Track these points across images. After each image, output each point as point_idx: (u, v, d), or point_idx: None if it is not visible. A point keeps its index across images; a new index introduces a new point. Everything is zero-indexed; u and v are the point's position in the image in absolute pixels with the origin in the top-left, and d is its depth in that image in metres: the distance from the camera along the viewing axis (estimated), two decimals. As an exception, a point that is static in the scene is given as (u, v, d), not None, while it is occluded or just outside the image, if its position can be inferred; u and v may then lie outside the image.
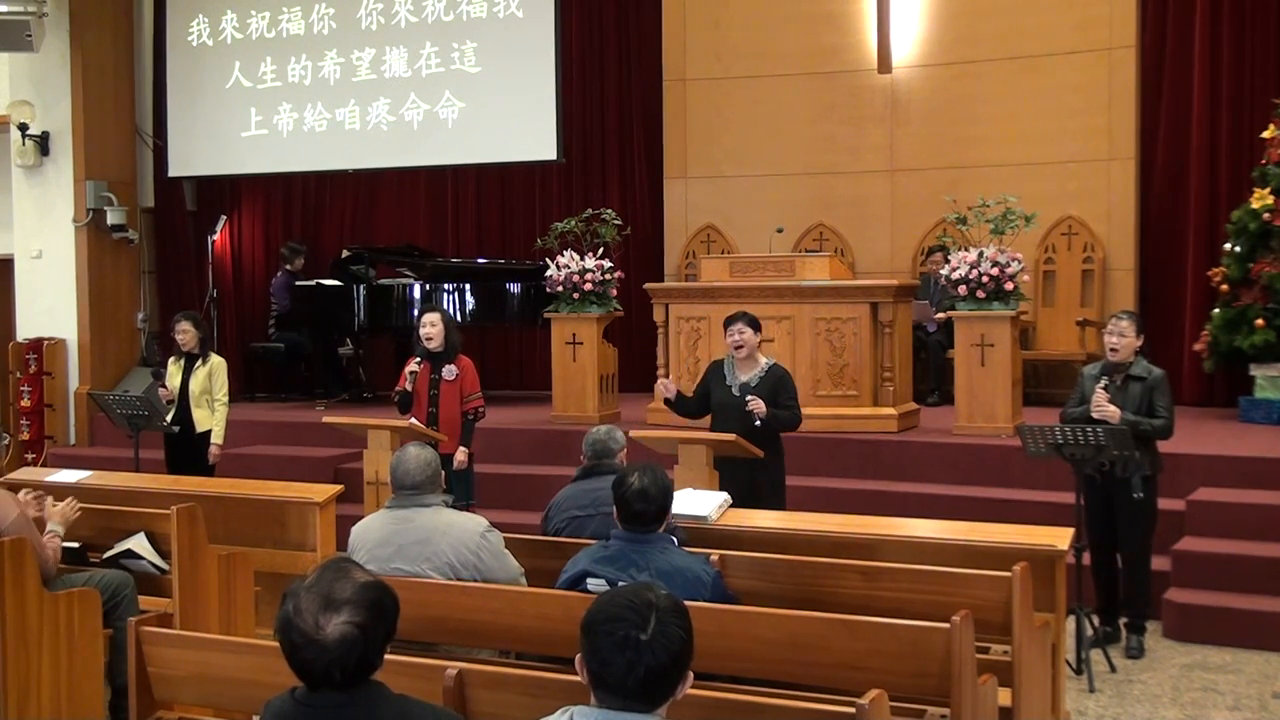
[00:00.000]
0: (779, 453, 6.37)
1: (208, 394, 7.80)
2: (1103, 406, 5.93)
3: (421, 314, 7.36)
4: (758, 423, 6.13)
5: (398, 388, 7.19)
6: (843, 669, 3.53)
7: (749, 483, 6.06)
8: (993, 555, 4.42)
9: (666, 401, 6.59)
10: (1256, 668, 5.95)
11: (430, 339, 7.08)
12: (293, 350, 11.50)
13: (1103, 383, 6.00)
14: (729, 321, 6.41)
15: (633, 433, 5.86)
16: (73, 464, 7.95)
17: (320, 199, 12.55)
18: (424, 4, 11.35)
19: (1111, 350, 6.10)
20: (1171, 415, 6.05)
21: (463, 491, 6.97)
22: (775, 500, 6.15)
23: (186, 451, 7.83)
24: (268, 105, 11.83)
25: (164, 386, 7.82)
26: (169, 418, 7.80)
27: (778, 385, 6.32)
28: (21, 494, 5.03)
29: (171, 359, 8.05)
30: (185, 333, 7.82)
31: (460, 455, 7.03)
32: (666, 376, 8.90)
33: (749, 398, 6.19)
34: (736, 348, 6.35)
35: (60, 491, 5.67)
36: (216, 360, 7.89)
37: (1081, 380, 6.24)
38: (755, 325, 6.43)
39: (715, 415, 6.45)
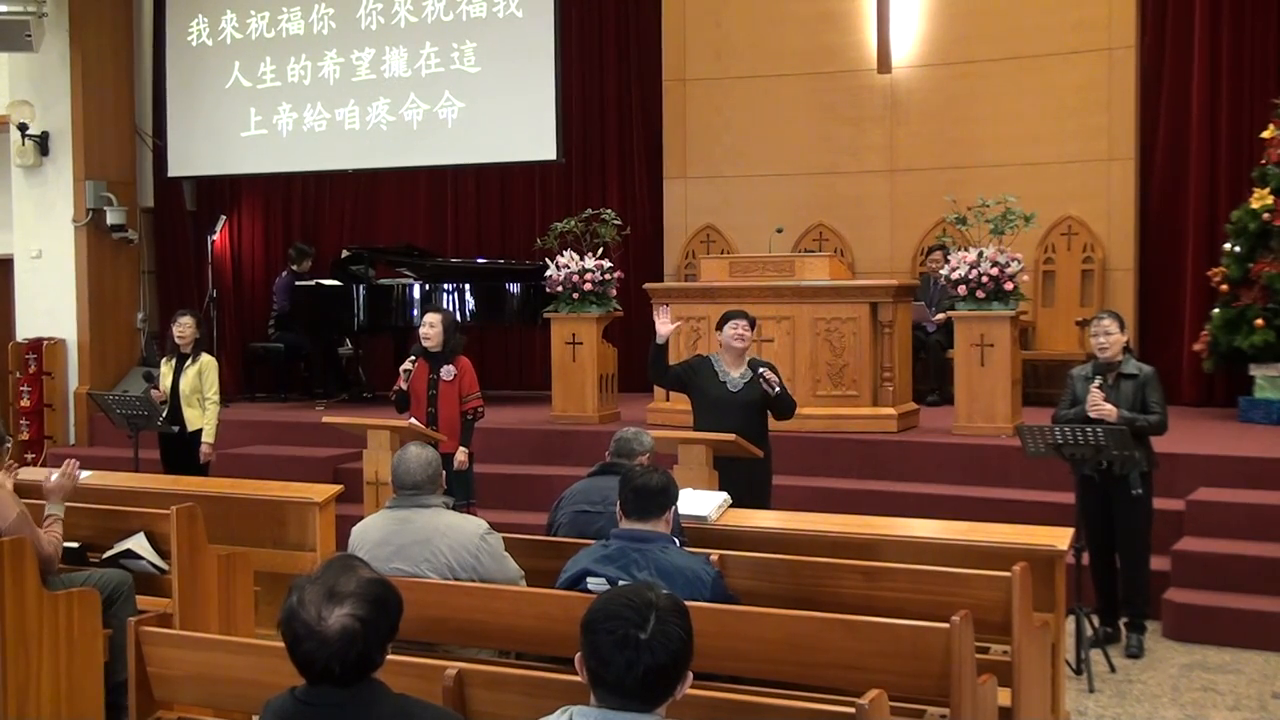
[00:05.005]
0: (767, 453, 6.37)
1: (198, 393, 7.80)
2: (1099, 405, 5.92)
3: (423, 313, 7.36)
4: (774, 390, 6.16)
5: (394, 387, 7.19)
6: (843, 669, 3.53)
7: (748, 480, 6.05)
8: (992, 555, 4.41)
9: (654, 341, 6.50)
10: (1256, 668, 5.95)
11: (428, 339, 7.08)
12: (292, 350, 11.50)
13: (1096, 382, 6.00)
14: (731, 316, 6.40)
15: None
16: (72, 464, 7.94)
17: (320, 199, 12.55)
18: (424, 4, 11.35)
19: (1101, 350, 6.10)
20: (1165, 410, 6.06)
21: (462, 491, 6.96)
22: (758, 499, 6.12)
23: (180, 451, 7.84)
24: (267, 105, 11.83)
25: (156, 389, 7.82)
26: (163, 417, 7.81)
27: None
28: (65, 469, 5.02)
29: (164, 360, 8.06)
30: (185, 328, 7.83)
31: (460, 455, 7.03)
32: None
33: (761, 369, 6.23)
34: (738, 340, 6.35)
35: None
36: (206, 359, 7.89)
37: (1072, 382, 6.23)
38: (754, 324, 6.49)
39: (709, 412, 6.38)
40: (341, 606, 2.38)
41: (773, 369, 6.40)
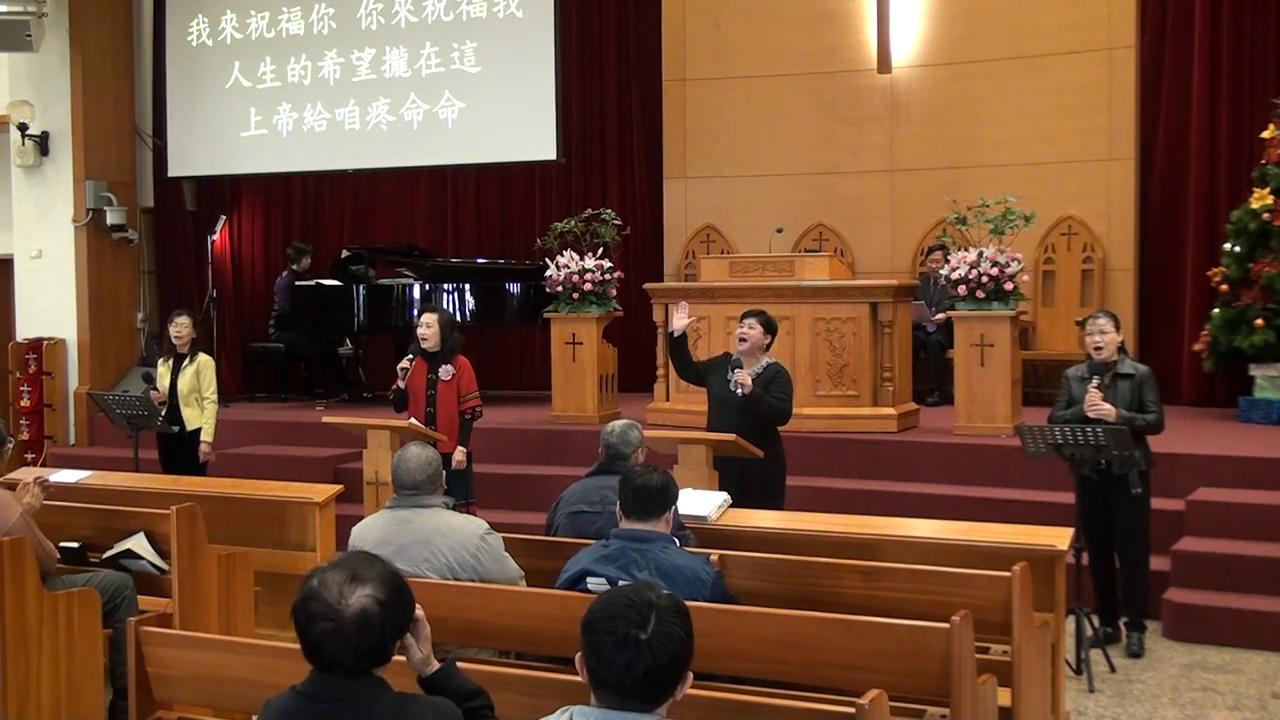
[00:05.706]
0: (779, 455, 6.35)
1: (196, 393, 7.80)
2: (1098, 405, 5.92)
3: (421, 313, 7.36)
4: (740, 392, 6.09)
5: (392, 386, 7.18)
6: (843, 669, 3.53)
7: (739, 479, 6.05)
8: (993, 555, 4.42)
9: (670, 334, 6.51)
10: (1256, 668, 5.95)
11: (425, 339, 7.08)
12: (292, 350, 11.51)
13: (1094, 382, 5.99)
14: (744, 315, 6.40)
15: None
16: (72, 464, 7.96)
17: (320, 199, 12.55)
18: (424, 4, 11.36)
19: (1096, 349, 6.09)
20: (1161, 409, 6.07)
21: (461, 491, 6.96)
22: (770, 500, 6.11)
23: (179, 451, 7.84)
24: (267, 105, 11.84)
25: (155, 390, 7.82)
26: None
27: (773, 380, 6.29)
28: (26, 482, 5.00)
29: (161, 360, 8.06)
30: (182, 328, 7.82)
31: (459, 455, 7.02)
32: (666, 376, 8.91)
33: (736, 371, 6.16)
34: (740, 340, 6.34)
35: (60, 491, 5.68)
36: (204, 359, 7.89)
37: (1067, 382, 6.22)
38: (768, 326, 6.38)
39: (713, 411, 6.42)
40: (364, 587, 2.42)
41: (782, 372, 6.35)
